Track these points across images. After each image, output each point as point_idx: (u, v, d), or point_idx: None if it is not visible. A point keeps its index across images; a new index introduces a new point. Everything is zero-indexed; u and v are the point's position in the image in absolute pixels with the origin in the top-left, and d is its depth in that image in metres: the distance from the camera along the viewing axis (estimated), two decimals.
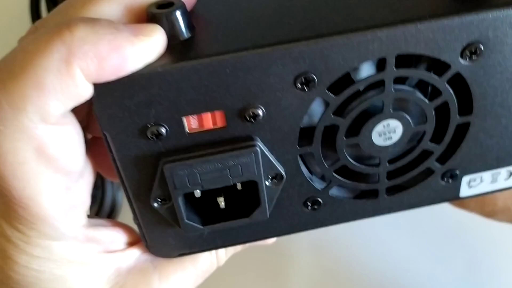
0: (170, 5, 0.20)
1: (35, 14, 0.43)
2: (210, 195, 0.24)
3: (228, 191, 0.24)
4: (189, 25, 0.20)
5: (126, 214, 0.47)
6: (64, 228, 0.21)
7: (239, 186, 0.24)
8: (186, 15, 0.20)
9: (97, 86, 0.19)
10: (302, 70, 0.20)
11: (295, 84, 0.21)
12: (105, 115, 0.20)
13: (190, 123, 0.21)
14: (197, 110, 0.21)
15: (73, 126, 0.20)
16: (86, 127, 0.23)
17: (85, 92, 0.19)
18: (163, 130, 0.21)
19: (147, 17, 0.20)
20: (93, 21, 0.19)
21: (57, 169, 0.20)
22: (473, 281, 0.47)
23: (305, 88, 0.21)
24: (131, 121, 0.20)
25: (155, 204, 0.23)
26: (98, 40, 0.18)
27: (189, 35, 0.20)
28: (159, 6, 0.20)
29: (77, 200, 0.22)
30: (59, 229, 0.21)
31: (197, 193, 0.23)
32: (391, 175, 0.25)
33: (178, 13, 0.20)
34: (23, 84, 0.18)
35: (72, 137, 0.20)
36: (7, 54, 0.19)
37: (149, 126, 0.21)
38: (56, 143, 0.19)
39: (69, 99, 0.19)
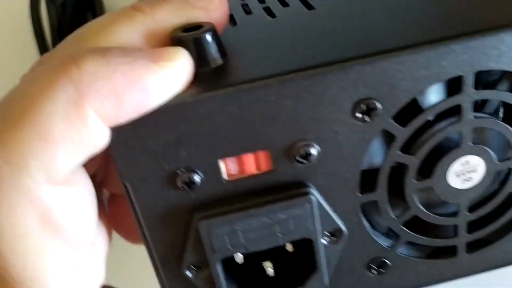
0: (198, 28, 0.17)
1: (35, 15, 0.41)
2: (253, 258, 0.19)
3: (275, 253, 0.19)
4: (221, 50, 0.17)
5: None
6: None
7: (289, 247, 0.19)
8: (217, 38, 0.17)
9: (117, 126, 0.16)
10: (363, 95, 0.17)
11: (354, 114, 0.17)
12: (126, 160, 0.16)
13: (229, 167, 0.17)
14: (236, 150, 0.17)
15: (85, 185, 0.16)
16: (100, 182, 0.19)
17: (101, 139, 0.15)
18: (196, 177, 0.17)
19: (172, 42, 0.17)
20: (104, 51, 0.15)
21: (66, 241, 0.16)
22: None
23: (366, 118, 0.17)
24: (157, 166, 0.17)
25: (188, 273, 0.18)
26: (112, 72, 0.15)
27: (221, 61, 0.17)
28: (186, 29, 0.17)
29: (90, 276, 0.17)
30: None
31: (239, 257, 0.19)
32: (472, 226, 0.20)
33: (208, 36, 0.17)
34: (24, 135, 0.14)
35: (83, 200, 0.16)
36: (3, 98, 0.16)
37: (179, 173, 0.17)
38: (65, 209, 0.15)
39: (81, 150, 0.15)
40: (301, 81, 0.16)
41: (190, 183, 0.17)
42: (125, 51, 0.15)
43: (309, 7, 0.21)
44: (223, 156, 0.17)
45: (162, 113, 0.16)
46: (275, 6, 0.22)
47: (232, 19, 0.21)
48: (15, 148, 0.14)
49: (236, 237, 0.18)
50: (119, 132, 0.16)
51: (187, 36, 0.17)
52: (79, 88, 0.14)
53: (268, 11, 0.22)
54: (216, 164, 0.17)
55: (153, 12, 0.17)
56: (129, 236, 0.22)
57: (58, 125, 0.14)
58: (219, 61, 0.17)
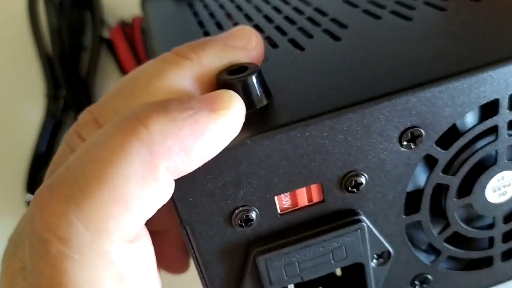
0: (242, 69, 0.18)
1: (33, 14, 0.41)
2: (305, 285, 0.20)
3: (325, 278, 0.20)
4: (266, 90, 0.18)
5: None
6: None
7: (338, 272, 0.20)
8: (262, 79, 0.18)
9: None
10: (408, 124, 0.17)
11: (400, 142, 0.18)
12: (186, 205, 0.17)
13: (282, 202, 0.18)
14: (291, 186, 0.17)
15: (147, 237, 0.17)
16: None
17: (169, 192, 0.16)
18: (253, 214, 0.17)
19: (218, 85, 0.17)
20: (165, 107, 0.15)
21: None
22: None
23: (412, 145, 0.18)
24: (216, 207, 0.17)
25: None
26: (179, 129, 0.15)
27: (266, 101, 0.18)
28: (231, 71, 0.18)
29: None
30: None
31: (291, 287, 0.20)
32: (506, 236, 0.21)
33: (254, 78, 0.17)
34: (102, 200, 0.14)
35: (149, 252, 0.16)
36: (68, 164, 0.15)
37: (237, 212, 0.17)
38: (136, 265, 0.16)
39: (153, 206, 0.15)
40: (351, 115, 0.17)
41: (248, 220, 0.17)
42: (184, 103, 0.16)
43: (336, 38, 0.22)
44: (279, 192, 0.17)
45: (222, 156, 0.16)
46: (300, 38, 0.23)
47: None
48: (93, 213, 0.14)
49: (292, 268, 0.18)
50: (180, 179, 0.16)
51: (234, 79, 0.17)
52: (151, 149, 0.15)
53: (294, 43, 0.22)
54: (272, 200, 0.17)
55: (199, 58, 0.17)
56: (167, 268, 0.22)
57: (134, 187, 0.15)
58: (265, 101, 0.17)
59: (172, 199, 0.17)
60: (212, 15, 0.30)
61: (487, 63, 0.17)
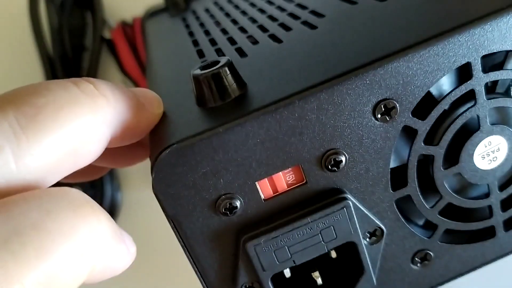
0: (215, 63, 0.18)
1: (34, 14, 0.41)
2: (301, 271, 0.20)
3: (322, 263, 0.20)
4: (239, 81, 0.18)
5: (125, 215, 0.44)
6: None
7: (333, 254, 0.20)
8: (235, 70, 0.18)
9: (156, 165, 0.17)
10: (380, 97, 0.17)
11: (375, 116, 0.18)
12: (169, 197, 0.17)
13: (266, 187, 0.18)
14: (270, 170, 0.18)
15: None
16: None
17: None
18: (236, 202, 0.18)
19: (193, 81, 0.18)
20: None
21: None
22: None
23: (387, 117, 0.18)
24: (199, 197, 0.17)
25: None
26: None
27: (242, 91, 0.18)
28: (204, 67, 0.18)
29: None
30: None
31: (287, 272, 0.20)
32: (505, 204, 0.21)
33: (226, 70, 0.18)
34: None
35: None
36: None
37: (221, 201, 0.18)
38: None
39: None
40: (320, 94, 0.17)
41: (232, 208, 0.18)
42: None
43: (312, 27, 0.22)
44: (259, 178, 0.18)
45: (198, 147, 0.17)
46: (279, 32, 0.23)
47: (241, 52, 0.22)
48: None
49: (283, 252, 0.18)
50: (159, 169, 0.17)
51: (207, 73, 0.18)
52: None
53: (274, 38, 0.23)
54: (254, 186, 0.18)
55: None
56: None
57: None
58: (240, 91, 0.18)
59: (155, 194, 0.17)
60: (202, 25, 0.31)
61: (452, 28, 0.17)
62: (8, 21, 0.44)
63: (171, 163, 0.17)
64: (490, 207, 0.21)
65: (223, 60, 0.18)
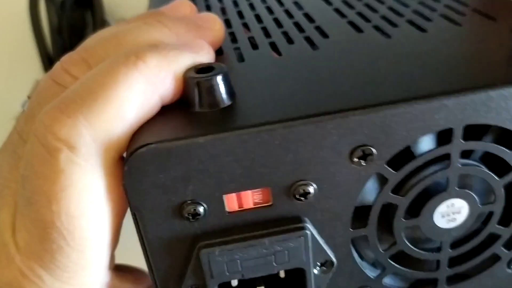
0: (210, 69, 0.18)
1: (34, 14, 0.42)
2: (247, 282, 0.21)
3: (269, 279, 0.21)
4: (230, 92, 0.18)
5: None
6: (101, 278, 0.20)
7: (282, 273, 0.21)
8: (228, 80, 0.18)
9: (130, 160, 0.17)
10: (360, 142, 0.18)
11: (351, 158, 0.18)
12: (136, 191, 0.17)
13: (232, 201, 0.18)
14: (240, 187, 0.18)
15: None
16: None
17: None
18: (201, 209, 0.18)
19: (185, 82, 0.18)
20: (157, 47, 0.19)
21: (121, 210, 0.19)
22: None
23: (363, 162, 0.18)
24: (165, 198, 0.18)
25: None
26: (170, 63, 0.18)
27: (230, 102, 0.18)
28: (199, 70, 0.18)
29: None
30: (97, 280, 0.20)
31: (234, 281, 0.20)
32: (453, 261, 0.22)
33: (219, 78, 0.18)
34: (108, 116, 0.17)
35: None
36: (73, 89, 0.18)
37: (186, 205, 0.18)
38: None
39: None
40: (304, 128, 0.17)
41: (195, 214, 0.18)
42: (170, 44, 0.20)
43: (314, 46, 0.22)
44: (228, 191, 0.18)
45: (175, 151, 0.17)
46: (281, 43, 0.23)
47: (240, 55, 0.23)
48: (100, 128, 0.17)
49: (234, 265, 0.19)
50: (133, 164, 0.17)
51: (201, 78, 0.18)
52: (149, 79, 0.18)
53: (274, 47, 0.23)
54: (221, 198, 0.18)
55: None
56: None
57: (133, 109, 0.18)
58: (228, 102, 0.18)
59: (123, 185, 0.17)
60: (208, 7, 0.31)
61: (443, 92, 0.18)
62: (8, 21, 0.45)
63: (145, 161, 0.17)
64: (438, 261, 0.22)
65: (218, 68, 0.18)
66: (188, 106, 0.18)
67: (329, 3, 0.29)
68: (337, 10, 0.28)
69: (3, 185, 0.20)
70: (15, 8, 0.44)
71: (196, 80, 0.18)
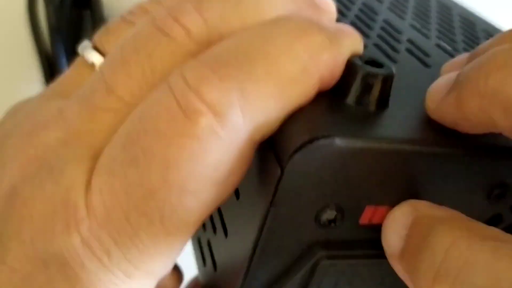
0: (375, 63, 0.16)
1: (32, 13, 0.41)
2: None
3: None
4: (388, 97, 0.17)
5: None
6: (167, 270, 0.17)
7: None
8: (391, 84, 0.16)
9: (303, 151, 0.14)
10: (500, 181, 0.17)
11: (489, 195, 0.17)
12: (290, 185, 0.15)
13: (368, 214, 0.17)
14: (384, 201, 0.16)
15: None
16: None
17: None
18: (339, 216, 0.16)
19: (349, 69, 0.16)
20: (319, 27, 0.16)
21: (223, 201, 0.16)
22: None
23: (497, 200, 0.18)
24: (313, 198, 0.15)
25: None
26: (332, 45, 0.16)
27: (386, 107, 0.16)
28: (366, 61, 0.16)
29: None
30: (165, 271, 0.17)
31: None
32: None
33: (391, 77, 0.16)
34: (268, 94, 0.15)
35: None
36: (227, 46, 0.15)
37: (328, 210, 0.16)
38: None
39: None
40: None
41: (332, 221, 0.16)
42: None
43: (424, 63, 0.21)
44: (372, 203, 0.16)
45: (352, 151, 0.14)
46: (419, 54, 0.22)
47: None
48: (255, 104, 0.14)
49: (342, 281, 0.17)
50: (300, 158, 0.14)
51: (373, 71, 0.16)
52: (315, 56, 0.15)
53: (416, 54, 0.21)
54: (362, 209, 0.16)
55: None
56: None
57: (297, 89, 0.15)
58: (384, 106, 0.16)
59: (279, 176, 0.14)
60: None
61: None
62: (7, 21, 0.43)
63: (318, 154, 0.14)
64: None
65: (387, 65, 0.16)
66: (340, 96, 0.16)
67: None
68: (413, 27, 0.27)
69: (72, 135, 0.16)
70: (13, 7, 0.42)
71: (367, 72, 0.16)
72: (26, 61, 0.43)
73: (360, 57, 0.16)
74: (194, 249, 0.23)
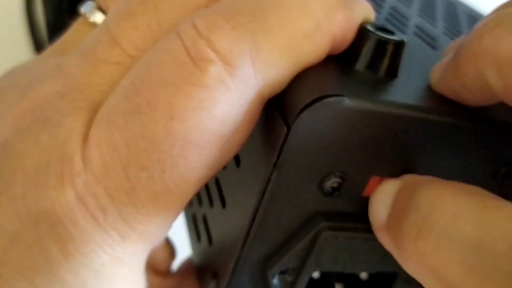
0: (386, 31, 0.16)
1: (30, 12, 0.40)
2: (328, 277, 0.18)
3: (349, 278, 0.18)
4: (397, 67, 0.16)
5: None
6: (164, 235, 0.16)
7: (364, 275, 0.18)
8: (402, 52, 0.16)
9: (312, 108, 0.14)
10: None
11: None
12: (296, 146, 0.14)
13: (373, 185, 0.16)
14: (390, 172, 0.16)
15: None
16: None
17: None
18: (343, 185, 0.15)
19: (361, 35, 0.16)
20: None
21: (228, 159, 0.16)
22: None
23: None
24: (318, 162, 0.15)
25: (273, 276, 0.17)
26: (350, 6, 0.16)
27: (395, 76, 0.16)
28: (378, 28, 0.16)
29: None
30: (161, 235, 0.16)
31: (316, 273, 0.18)
32: None
33: (403, 44, 0.16)
34: (280, 47, 0.14)
35: None
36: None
37: (332, 176, 0.15)
38: None
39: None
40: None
41: (335, 189, 0.15)
42: None
43: (431, 46, 0.21)
44: (377, 174, 0.16)
45: (364, 114, 0.14)
46: (427, 38, 0.21)
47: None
48: (266, 56, 0.14)
49: (343, 256, 0.16)
50: (309, 116, 0.14)
51: (385, 37, 0.15)
52: (327, 15, 0.15)
53: (423, 37, 0.21)
54: (366, 179, 0.16)
55: None
56: None
57: (309, 45, 0.14)
58: (393, 75, 0.16)
59: (285, 135, 0.14)
60: None
61: None
62: (4, 19, 0.42)
63: (328, 114, 0.14)
64: None
65: (398, 33, 0.16)
66: (350, 61, 0.16)
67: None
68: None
69: (71, 88, 0.15)
70: (11, 6, 0.42)
71: (379, 37, 0.15)
72: (24, 59, 0.42)
73: (371, 24, 0.16)
74: (188, 227, 0.22)
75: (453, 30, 0.26)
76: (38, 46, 0.40)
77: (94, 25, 0.17)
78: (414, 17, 0.25)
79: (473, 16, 0.31)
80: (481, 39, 0.14)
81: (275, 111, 0.14)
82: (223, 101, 0.13)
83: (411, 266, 0.14)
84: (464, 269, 0.12)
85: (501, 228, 0.12)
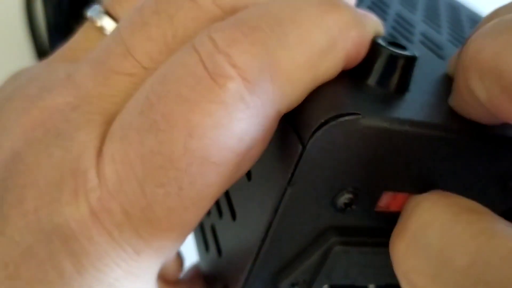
0: (402, 48, 0.16)
1: (30, 12, 0.40)
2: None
3: None
4: (408, 81, 0.16)
5: None
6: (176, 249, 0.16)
7: (371, 286, 0.19)
8: (414, 67, 0.16)
9: (329, 127, 0.14)
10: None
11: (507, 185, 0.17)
12: (311, 163, 0.14)
13: (385, 200, 0.16)
14: (403, 188, 0.16)
15: None
16: None
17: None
18: (356, 200, 0.15)
19: (373, 49, 0.15)
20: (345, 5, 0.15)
21: (241, 175, 0.16)
22: None
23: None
24: (332, 179, 0.15)
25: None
26: (358, 22, 0.15)
27: (406, 91, 0.16)
28: (389, 43, 0.16)
29: None
30: (175, 250, 0.16)
31: (326, 286, 0.18)
32: None
33: (415, 60, 0.16)
34: (300, 63, 0.14)
35: None
36: (257, 14, 0.14)
37: (345, 193, 0.15)
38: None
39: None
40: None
41: (348, 205, 0.15)
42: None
43: (438, 56, 0.21)
44: (390, 189, 0.16)
45: (378, 131, 0.14)
46: (433, 47, 0.21)
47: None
48: (284, 72, 0.14)
49: (354, 269, 0.17)
50: (326, 134, 0.14)
51: (396, 52, 0.15)
52: (342, 32, 0.15)
53: (429, 46, 0.21)
54: (379, 194, 0.16)
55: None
56: None
57: (327, 62, 0.14)
58: (405, 90, 0.16)
59: (300, 153, 0.14)
60: None
61: None
62: (4, 19, 0.42)
63: (344, 132, 0.14)
64: None
65: (410, 48, 0.16)
66: (361, 77, 0.16)
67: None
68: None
69: (83, 99, 0.15)
70: (11, 6, 0.41)
71: (391, 52, 0.15)
72: (24, 60, 0.42)
73: (383, 38, 0.16)
74: (195, 235, 0.22)
75: (458, 37, 0.26)
76: (38, 46, 0.40)
77: (101, 29, 0.17)
78: (419, 24, 0.25)
79: (476, 21, 0.31)
80: (467, 49, 0.14)
81: (289, 128, 0.14)
82: (242, 119, 0.13)
83: (395, 269, 0.15)
84: (429, 278, 0.13)
85: (464, 244, 0.12)
